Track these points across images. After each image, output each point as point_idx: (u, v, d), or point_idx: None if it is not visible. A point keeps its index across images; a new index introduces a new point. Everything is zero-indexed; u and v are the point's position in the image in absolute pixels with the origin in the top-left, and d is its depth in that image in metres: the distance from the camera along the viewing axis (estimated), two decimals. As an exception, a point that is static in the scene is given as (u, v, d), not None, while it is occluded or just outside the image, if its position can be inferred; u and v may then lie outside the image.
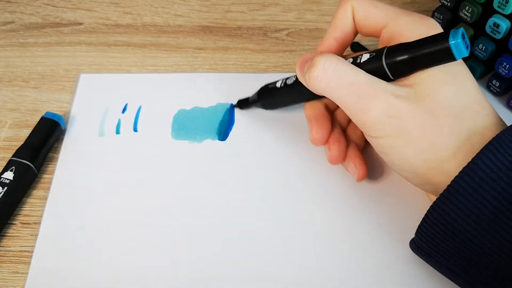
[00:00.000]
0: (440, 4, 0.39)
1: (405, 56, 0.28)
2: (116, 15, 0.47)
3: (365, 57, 0.30)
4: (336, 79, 0.29)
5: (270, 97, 0.37)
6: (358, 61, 0.30)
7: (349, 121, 0.37)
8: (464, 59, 0.29)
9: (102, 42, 0.45)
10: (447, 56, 0.27)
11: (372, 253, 0.32)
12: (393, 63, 0.29)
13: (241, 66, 0.43)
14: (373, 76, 0.29)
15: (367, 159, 0.36)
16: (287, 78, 0.35)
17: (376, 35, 0.32)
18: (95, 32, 0.46)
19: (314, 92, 0.31)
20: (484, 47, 0.37)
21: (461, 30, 0.27)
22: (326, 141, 0.35)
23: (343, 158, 0.35)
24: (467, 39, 0.27)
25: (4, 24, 0.46)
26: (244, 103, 0.39)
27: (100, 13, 0.47)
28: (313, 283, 0.31)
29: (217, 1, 0.48)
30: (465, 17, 0.37)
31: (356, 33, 0.33)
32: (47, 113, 0.38)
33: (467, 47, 0.27)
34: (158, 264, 0.32)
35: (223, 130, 0.38)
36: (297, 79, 0.34)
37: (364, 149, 0.36)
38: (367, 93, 0.28)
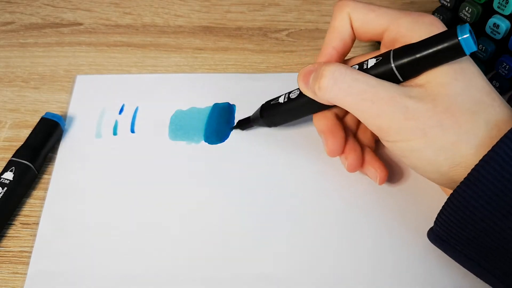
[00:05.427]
0: (440, 4, 0.39)
1: (414, 56, 0.28)
2: (116, 15, 0.47)
3: (372, 62, 0.30)
4: (347, 87, 0.29)
5: (274, 114, 0.35)
6: (365, 67, 0.30)
7: (358, 124, 0.36)
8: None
9: (102, 43, 0.45)
10: (457, 52, 0.27)
11: (378, 250, 0.32)
12: (402, 64, 0.28)
13: (241, 67, 0.43)
14: (384, 80, 0.29)
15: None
16: (289, 92, 0.34)
17: (376, 40, 0.32)
18: (95, 33, 0.46)
19: (324, 102, 0.30)
20: (484, 47, 0.37)
21: (467, 25, 0.27)
22: (343, 152, 0.34)
23: (361, 165, 0.34)
24: (473, 34, 0.27)
25: (4, 25, 0.46)
26: (244, 124, 0.38)
27: (100, 13, 0.47)
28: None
29: (217, 1, 0.48)
30: (465, 17, 0.37)
31: (354, 39, 0.33)
32: (47, 113, 0.38)
33: (475, 42, 0.27)
34: (156, 264, 0.32)
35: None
36: (301, 91, 0.32)
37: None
38: (380, 98, 0.28)
